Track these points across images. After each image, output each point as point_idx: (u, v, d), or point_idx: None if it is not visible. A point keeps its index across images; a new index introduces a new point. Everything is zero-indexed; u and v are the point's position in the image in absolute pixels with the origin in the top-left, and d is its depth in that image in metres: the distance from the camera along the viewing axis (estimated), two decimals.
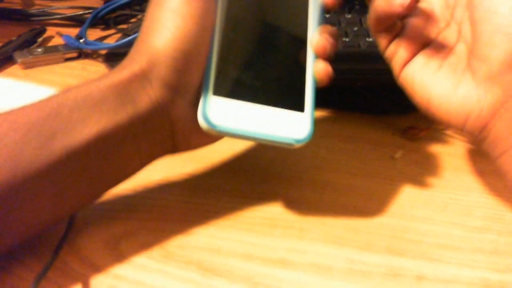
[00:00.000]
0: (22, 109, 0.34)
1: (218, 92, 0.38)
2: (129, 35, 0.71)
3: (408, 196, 0.47)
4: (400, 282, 0.38)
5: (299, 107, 0.40)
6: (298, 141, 0.39)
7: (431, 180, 0.50)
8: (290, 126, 0.39)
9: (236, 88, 0.39)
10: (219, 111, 0.38)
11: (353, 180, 0.50)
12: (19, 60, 0.70)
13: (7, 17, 0.84)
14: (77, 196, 0.36)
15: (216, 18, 0.40)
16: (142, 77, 0.37)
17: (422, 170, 0.52)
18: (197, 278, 0.37)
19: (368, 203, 0.46)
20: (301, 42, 0.42)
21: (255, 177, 0.49)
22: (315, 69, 0.41)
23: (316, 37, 0.41)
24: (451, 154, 0.54)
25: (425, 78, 0.41)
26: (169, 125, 0.39)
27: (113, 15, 0.85)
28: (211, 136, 0.40)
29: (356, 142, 0.56)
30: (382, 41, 0.44)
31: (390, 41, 0.43)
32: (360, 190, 0.48)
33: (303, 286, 0.37)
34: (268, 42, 0.42)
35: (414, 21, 0.42)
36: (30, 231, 0.36)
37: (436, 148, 0.55)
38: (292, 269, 0.38)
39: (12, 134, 0.33)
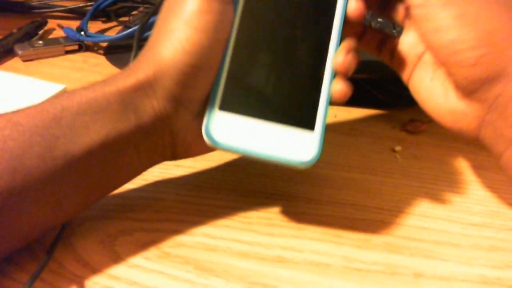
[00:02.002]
0: (26, 110, 0.34)
1: (224, 107, 0.37)
2: (130, 27, 0.70)
3: (407, 192, 0.47)
4: (397, 280, 0.38)
5: (310, 126, 0.38)
6: (304, 163, 0.37)
7: (431, 174, 0.50)
8: (297, 146, 0.38)
9: (244, 103, 0.38)
10: (224, 127, 0.37)
11: (353, 174, 0.49)
12: (20, 53, 0.70)
13: (8, 9, 0.84)
14: (76, 202, 0.36)
15: (231, 31, 0.39)
16: (147, 86, 0.36)
17: (422, 164, 0.51)
18: (193, 278, 0.37)
19: (366, 199, 0.46)
20: (319, 58, 0.40)
21: (252, 174, 0.48)
22: (334, 88, 0.39)
23: (341, 56, 0.39)
24: (451, 148, 0.54)
25: (424, 85, 0.41)
26: (170, 135, 0.39)
27: (114, 7, 0.84)
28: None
29: (356, 136, 0.56)
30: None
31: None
32: (359, 185, 0.48)
33: (300, 284, 0.37)
34: (283, 56, 0.39)
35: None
36: (28, 237, 0.36)
37: (436, 142, 0.55)
38: (289, 267, 0.38)
39: (15, 137, 0.32)
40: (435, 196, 0.47)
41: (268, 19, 0.40)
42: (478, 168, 0.51)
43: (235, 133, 0.37)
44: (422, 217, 0.44)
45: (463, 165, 0.51)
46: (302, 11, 0.40)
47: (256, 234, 0.41)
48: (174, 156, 0.41)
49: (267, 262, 0.39)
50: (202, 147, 0.39)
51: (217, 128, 0.37)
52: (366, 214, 0.44)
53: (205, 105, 0.38)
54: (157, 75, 0.36)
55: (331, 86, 0.39)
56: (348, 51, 0.39)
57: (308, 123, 0.38)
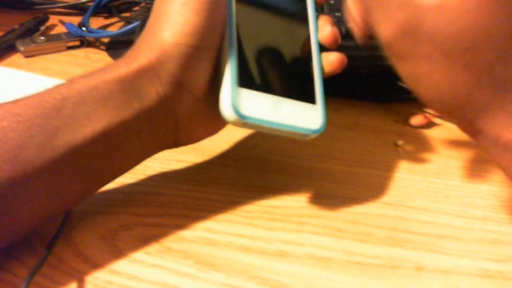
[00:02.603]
0: (25, 100, 0.34)
1: (243, 84, 0.38)
2: (132, 23, 0.70)
3: (409, 186, 0.47)
4: (399, 273, 0.38)
5: (312, 100, 0.41)
6: (314, 131, 0.40)
7: (433, 168, 0.50)
8: (306, 117, 0.40)
9: (258, 81, 0.39)
10: (245, 102, 0.37)
11: (354, 168, 0.49)
12: (22, 49, 0.69)
13: (10, 6, 0.84)
14: (76, 191, 0.36)
15: (228, 13, 0.39)
16: (151, 72, 0.36)
17: (424, 158, 0.51)
18: (194, 272, 0.37)
19: (368, 193, 0.46)
20: (305, 37, 0.43)
21: (254, 168, 0.48)
22: (329, 61, 0.42)
23: (326, 29, 0.42)
24: (454, 141, 0.54)
25: None
26: (173, 120, 0.38)
27: (116, 3, 0.84)
28: (213, 129, 0.39)
29: (358, 130, 0.56)
30: None
31: None
32: (361, 179, 0.48)
33: (301, 279, 0.37)
34: (278, 38, 0.43)
35: None
36: (28, 227, 0.36)
37: (439, 136, 0.55)
38: (290, 262, 0.38)
39: (14, 128, 0.32)
40: (438, 190, 0.47)
41: (261, 9, 0.43)
42: (481, 162, 0.51)
43: (256, 108, 0.38)
44: (424, 211, 0.44)
45: (466, 160, 0.51)
46: (284, 9, 0.45)
47: (257, 229, 0.41)
48: (176, 143, 0.41)
49: (268, 256, 0.39)
50: (205, 132, 0.39)
51: (241, 103, 0.37)
52: (367, 208, 0.44)
53: (208, 88, 0.39)
54: (160, 59, 0.36)
55: (324, 60, 0.43)
56: (330, 23, 0.43)
57: (310, 97, 0.41)
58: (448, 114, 0.37)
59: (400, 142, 0.53)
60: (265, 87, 0.39)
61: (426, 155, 0.52)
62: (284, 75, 0.41)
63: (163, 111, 0.37)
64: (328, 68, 0.42)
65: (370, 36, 0.39)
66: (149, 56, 0.36)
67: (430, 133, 0.55)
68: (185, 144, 0.41)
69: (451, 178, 0.48)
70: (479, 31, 0.33)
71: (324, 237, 0.41)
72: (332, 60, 0.42)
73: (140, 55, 0.37)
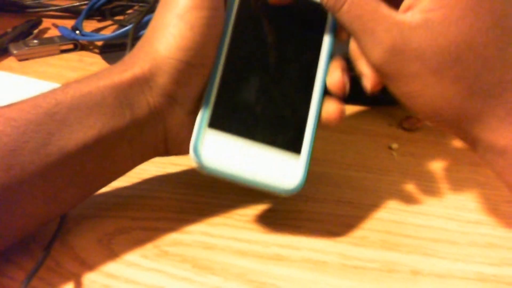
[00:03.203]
0: (20, 105, 0.34)
1: (215, 124, 0.37)
2: (125, 26, 0.70)
3: (403, 189, 0.47)
4: (395, 277, 0.38)
5: (296, 149, 0.38)
6: (287, 191, 0.37)
7: (427, 171, 0.50)
8: (282, 172, 0.37)
9: (233, 121, 0.37)
10: (212, 148, 0.36)
11: (349, 172, 0.49)
12: (15, 52, 0.69)
13: (2, 9, 0.84)
14: (70, 196, 0.36)
15: (224, 29, 0.39)
16: (143, 82, 0.37)
17: (418, 161, 0.51)
18: (191, 276, 0.37)
19: (363, 197, 0.46)
20: (308, 80, 0.40)
21: None
22: (328, 110, 0.39)
23: (338, 74, 0.39)
24: (448, 144, 0.54)
25: None
26: (163, 130, 0.39)
27: (109, 6, 0.84)
28: None
29: (353, 133, 0.56)
30: None
31: None
32: (356, 182, 0.48)
33: (298, 282, 0.37)
34: (273, 76, 0.39)
35: None
36: (23, 233, 0.36)
37: (433, 139, 0.55)
38: (286, 265, 0.38)
39: (9, 133, 0.32)
40: (432, 194, 0.47)
41: (259, 36, 0.40)
42: (475, 165, 0.51)
43: (222, 156, 0.36)
44: (419, 214, 0.44)
45: (459, 162, 0.52)
46: (293, 29, 0.40)
47: (253, 232, 0.41)
48: (167, 152, 0.41)
49: (265, 260, 0.39)
50: None
51: (205, 148, 0.36)
52: (362, 211, 0.44)
53: (198, 102, 0.38)
54: (153, 71, 0.37)
55: (324, 108, 0.39)
56: (342, 69, 0.39)
57: (294, 147, 0.38)
58: (445, 126, 0.38)
59: (394, 145, 0.54)
60: (241, 130, 0.37)
61: (420, 159, 0.52)
62: (270, 117, 0.38)
63: (153, 121, 0.38)
64: (324, 118, 0.39)
65: (381, 84, 0.39)
66: (143, 66, 0.37)
67: (423, 136, 0.56)
68: (176, 154, 0.41)
69: (445, 181, 0.49)
70: (463, 43, 0.34)
71: (320, 241, 0.41)
72: (331, 111, 0.39)
73: (135, 63, 0.37)
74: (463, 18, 0.34)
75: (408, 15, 0.35)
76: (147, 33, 0.39)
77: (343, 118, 0.39)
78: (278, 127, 0.38)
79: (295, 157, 0.38)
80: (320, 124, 0.39)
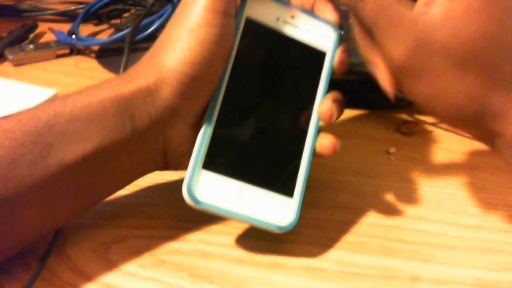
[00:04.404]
0: (18, 116, 0.34)
1: (208, 165, 0.37)
2: (122, 30, 0.70)
3: (401, 194, 0.47)
4: (394, 284, 0.38)
5: (289, 192, 0.39)
6: (281, 228, 0.38)
7: (425, 176, 0.50)
8: (276, 211, 0.38)
9: (227, 164, 0.38)
10: (205, 186, 0.36)
11: (347, 177, 0.49)
12: (10, 57, 0.69)
13: None
14: (68, 209, 0.36)
15: (231, 52, 0.38)
16: (146, 94, 0.36)
17: (416, 166, 0.51)
18: (188, 285, 0.37)
19: (361, 202, 0.46)
20: (304, 119, 0.41)
21: None
22: (321, 143, 0.40)
23: (327, 104, 0.40)
24: (445, 148, 0.54)
25: None
26: (163, 143, 0.38)
27: (106, 10, 0.84)
28: None
29: (350, 138, 0.56)
30: None
31: None
32: (354, 188, 0.48)
33: None
34: (268, 120, 0.40)
35: None
36: (20, 245, 0.36)
37: (431, 143, 0.55)
38: (284, 273, 0.38)
39: (7, 145, 0.32)
40: (430, 198, 0.47)
41: (257, 71, 0.40)
42: (473, 169, 0.51)
43: (216, 194, 0.37)
44: (417, 219, 0.44)
45: (457, 166, 0.51)
46: (291, 69, 0.41)
47: (251, 240, 0.41)
48: (165, 166, 0.40)
49: (262, 267, 0.38)
50: None
51: (198, 187, 0.36)
52: (360, 217, 0.44)
53: (200, 117, 0.38)
54: (157, 83, 0.36)
55: (318, 141, 0.40)
56: (333, 100, 0.40)
57: (287, 190, 0.39)
58: (466, 125, 0.37)
59: (391, 150, 0.53)
60: (234, 172, 0.38)
61: (418, 163, 0.52)
62: (264, 160, 0.39)
63: (153, 133, 0.37)
64: (318, 151, 0.41)
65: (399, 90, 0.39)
66: (148, 78, 0.37)
67: (421, 140, 0.55)
68: (174, 168, 0.41)
69: (443, 186, 0.49)
70: (485, 33, 0.34)
71: (318, 247, 0.40)
72: (325, 144, 0.40)
73: (140, 75, 0.37)
74: (482, 9, 0.33)
75: (428, 10, 0.34)
76: (155, 46, 0.38)
77: (337, 151, 0.40)
78: (272, 171, 0.39)
79: (288, 198, 0.39)
80: (314, 155, 0.41)
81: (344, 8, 0.39)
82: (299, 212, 0.39)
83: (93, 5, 0.82)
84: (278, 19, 0.40)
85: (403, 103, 0.55)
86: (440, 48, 0.34)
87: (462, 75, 0.35)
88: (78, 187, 0.35)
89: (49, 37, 0.78)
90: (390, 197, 0.47)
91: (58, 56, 0.73)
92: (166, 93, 0.36)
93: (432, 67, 0.35)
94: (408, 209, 0.45)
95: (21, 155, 0.32)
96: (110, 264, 0.38)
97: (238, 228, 0.42)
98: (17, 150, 0.32)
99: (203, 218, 0.42)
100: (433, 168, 0.51)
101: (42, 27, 0.80)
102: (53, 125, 0.33)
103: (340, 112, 0.41)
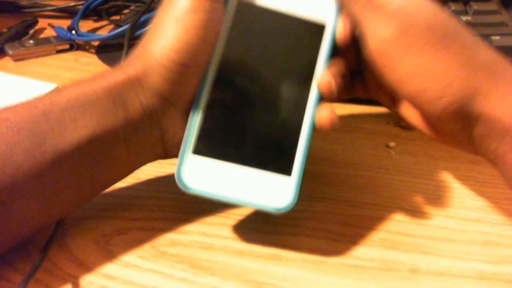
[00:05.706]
0: (15, 107, 0.34)
1: (198, 150, 0.37)
2: (121, 26, 0.70)
3: (401, 188, 0.47)
4: (393, 276, 0.38)
5: (287, 171, 0.37)
6: (278, 209, 0.37)
7: (425, 169, 0.50)
8: (273, 191, 0.37)
9: (219, 147, 0.37)
10: (196, 171, 0.36)
11: (347, 170, 0.49)
12: (10, 52, 0.69)
13: None
14: (66, 199, 0.36)
15: (221, 34, 0.38)
16: (136, 83, 0.37)
17: (416, 160, 0.51)
18: (189, 276, 0.37)
19: (361, 195, 0.46)
20: (299, 98, 0.39)
21: None
22: (319, 115, 0.39)
23: (327, 76, 0.39)
24: None
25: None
26: (158, 132, 0.38)
27: (106, 6, 0.84)
28: None
29: (350, 132, 0.56)
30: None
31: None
32: (354, 181, 0.48)
33: (296, 282, 0.37)
34: (261, 98, 0.38)
35: None
36: (19, 236, 0.36)
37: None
38: (285, 265, 0.38)
39: (4, 133, 0.32)
40: (430, 192, 0.47)
41: (251, 48, 0.39)
42: (473, 163, 0.51)
43: (208, 178, 0.36)
44: (417, 212, 0.44)
45: (457, 160, 0.51)
46: (287, 45, 0.40)
47: (252, 232, 0.41)
48: (165, 154, 0.40)
49: (263, 259, 0.38)
50: None
51: (189, 173, 0.36)
52: (361, 210, 0.44)
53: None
54: (145, 72, 0.37)
55: (317, 114, 0.39)
56: (333, 72, 0.39)
57: (285, 168, 0.38)
58: (446, 112, 0.37)
59: (391, 144, 0.53)
60: (226, 154, 0.37)
61: (417, 157, 0.52)
62: (257, 140, 0.38)
63: (147, 122, 0.37)
64: (317, 124, 0.39)
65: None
66: (137, 67, 0.37)
67: (421, 134, 0.55)
68: (175, 156, 0.41)
69: (442, 179, 0.49)
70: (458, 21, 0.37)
71: (318, 240, 0.40)
72: (323, 116, 0.39)
73: (130, 65, 0.37)
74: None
75: None
76: (145, 36, 0.39)
77: (335, 125, 0.39)
78: (268, 149, 0.38)
79: (285, 178, 0.38)
80: (314, 130, 0.39)
81: None
82: (298, 192, 0.37)
83: (93, 1, 0.82)
84: None
85: None
86: (426, 26, 0.35)
87: (446, 52, 0.36)
88: (76, 176, 0.35)
89: (49, 33, 0.78)
90: (389, 190, 0.47)
91: (58, 52, 0.73)
92: (155, 81, 0.37)
93: (419, 44, 0.36)
94: (408, 202, 0.45)
95: (17, 142, 0.32)
96: (111, 256, 0.38)
97: (239, 220, 0.42)
98: (14, 137, 0.32)
99: (204, 210, 0.42)
100: (433, 162, 0.51)
101: (42, 23, 0.80)
102: (48, 113, 0.34)
103: (342, 84, 0.40)
